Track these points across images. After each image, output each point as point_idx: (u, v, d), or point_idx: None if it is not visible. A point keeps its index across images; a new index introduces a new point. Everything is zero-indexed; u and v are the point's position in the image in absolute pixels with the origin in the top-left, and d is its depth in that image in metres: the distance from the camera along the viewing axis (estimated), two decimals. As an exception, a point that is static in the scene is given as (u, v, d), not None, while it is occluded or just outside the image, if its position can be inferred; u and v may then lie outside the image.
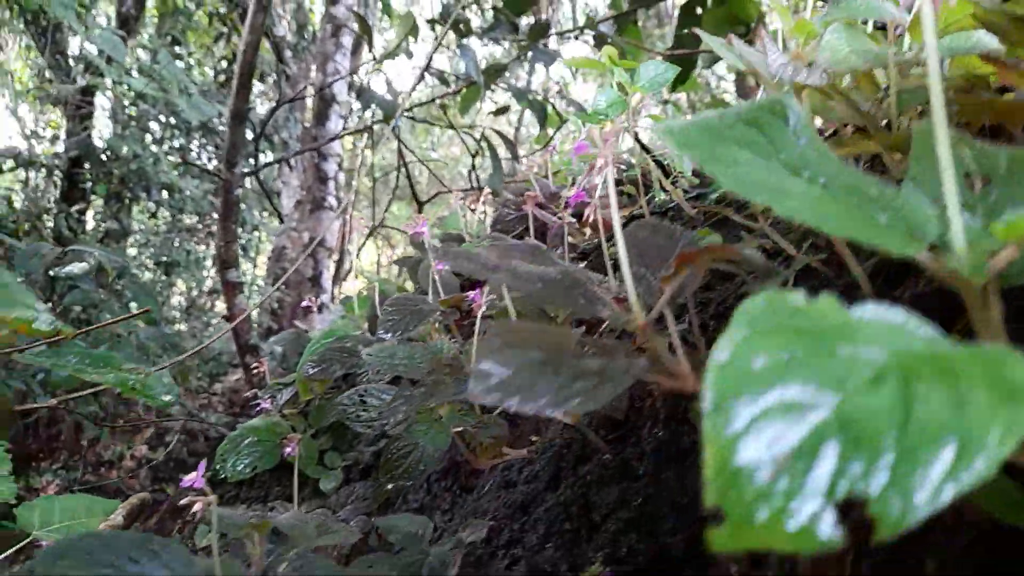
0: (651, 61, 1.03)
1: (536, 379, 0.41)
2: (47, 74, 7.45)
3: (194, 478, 0.62)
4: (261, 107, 8.60)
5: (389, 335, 1.13)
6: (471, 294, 1.05)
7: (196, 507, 0.59)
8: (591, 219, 0.91)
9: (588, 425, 0.73)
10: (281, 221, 4.57)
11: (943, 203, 0.34)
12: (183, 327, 7.93)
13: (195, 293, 9.03)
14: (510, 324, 0.45)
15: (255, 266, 9.93)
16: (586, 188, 0.76)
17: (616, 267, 0.68)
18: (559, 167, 1.90)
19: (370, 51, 2.46)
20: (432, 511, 0.98)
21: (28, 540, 1.43)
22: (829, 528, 0.22)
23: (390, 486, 0.87)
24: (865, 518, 0.24)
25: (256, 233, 8.95)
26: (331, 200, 5.84)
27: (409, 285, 1.91)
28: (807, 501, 0.22)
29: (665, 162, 1.12)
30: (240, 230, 8.27)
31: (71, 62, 7.48)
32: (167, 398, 0.73)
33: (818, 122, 0.66)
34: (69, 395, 1.39)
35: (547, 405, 0.40)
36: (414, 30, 2.46)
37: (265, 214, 8.75)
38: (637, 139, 1.05)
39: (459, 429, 0.95)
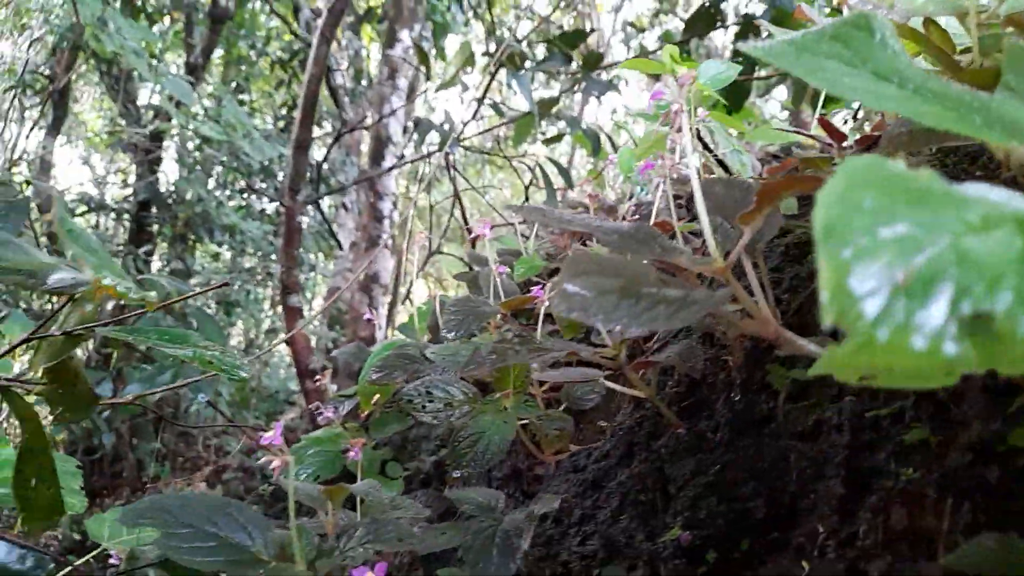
0: (712, 60, 1.04)
1: (618, 301, 0.41)
2: (118, 121, 7.84)
3: (272, 435, 0.63)
4: (318, 152, 8.88)
5: (452, 334, 1.15)
6: (535, 290, 1.06)
7: (274, 464, 0.60)
8: (656, 222, 0.91)
9: (661, 400, 0.72)
10: (341, 248, 4.65)
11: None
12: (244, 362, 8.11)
13: (252, 334, 9.24)
14: (592, 254, 0.45)
15: (311, 307, 10.14)
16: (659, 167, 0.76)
17: (686, 238, 0.68)
18: (620, 194, 1.92)
19: (427, 80, 2.53)
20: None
21: (100, 550, 1.47)
22: (954, 345, 0.22)
23: (457, 474, 0.86)
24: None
25: (312, 274, 9.15)
26: (386, 238, 5.96)
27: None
28: (931, 318, 0.22)
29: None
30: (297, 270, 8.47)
31: (141, 109, 7.87)
32: (243, 374, 0.75)
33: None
34: (157, 409, 1.44)
35: (628, 324, 0.40)
36: (470, 59, 2.53)
37: (321, 256, 8.96)
38: (699, 137, 1.05)
39: (524, 421, 0.95)
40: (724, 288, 0.44)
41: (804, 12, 0.80)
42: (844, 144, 0.90)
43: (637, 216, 1.38)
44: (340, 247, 4.53)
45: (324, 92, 6.88)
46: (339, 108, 7.42)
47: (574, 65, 3.14)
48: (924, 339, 0.22)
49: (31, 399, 0.88)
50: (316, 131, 9.02)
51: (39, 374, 0.78)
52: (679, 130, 0.51)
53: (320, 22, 2.38)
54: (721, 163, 1.11)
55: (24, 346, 0.84)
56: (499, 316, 1.22)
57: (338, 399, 1.57)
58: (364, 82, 7.97)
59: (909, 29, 0.55)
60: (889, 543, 0.48)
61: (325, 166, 7.71)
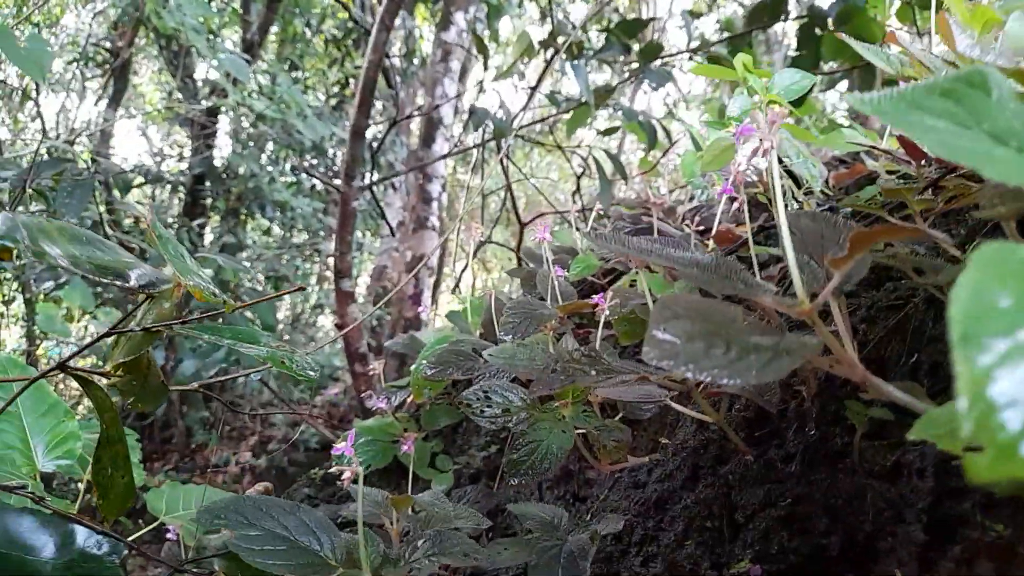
0: (786, 69, 1.01)
1: (709, 349, 0.41)
2: (176, 96, 7.99)
3: (345, 447, 0.64)
4: (368, 131, 8.95)
5: (509, 337, 1.15)
6: (596, 298, 1.06)
7: (345, 476, 0.61)
8: (718, 229, 0.89)
9: (729, 425, 0.71)
10: (393, 233, 4.70)
11: None
12: (288, 339, 8.27)
13: (299, 309, 9.41)
14: (682, 297, 0.45)
15: (356, 284, 10.27)
16: (734, 184, 0.74)
17: (763, 265, 0.67)
18: (674, 186, 1.89)
19: (484, 70, 2.52)
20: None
21: (157, 523, 1.53)
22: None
23: (514, 482, 0.87)
24: None
25: (359, 252, 9.25)
26: (434, 220, 5.99)
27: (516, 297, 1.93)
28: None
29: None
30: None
31: (198, 84, 8.01)
32: (312, 374, 0.76)
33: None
34: (204, 389, 1.47)
35: (721, 375, 0.40)
36: (529, 49, 2.51)
37: (368, 234, 9.05)
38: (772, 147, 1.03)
39: (581, 431, 0.95)
40: (812, 335, 0.43)
41: (895, 38, 0.77)
42: (923, 163, 0.87)
43: (699, 222, 1.36)
44: (392, 232, 4.57)
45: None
46: (391, 88, 7.46)
47: (632, 54, 3.10)
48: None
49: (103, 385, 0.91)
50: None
51: (116, 367, 0.81)
52: (766, 167, 0.50)
53: (381, 7, 2.39)
54: (790, 173, 1.09)
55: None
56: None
57: (390, 389, 1.59)
58: (416, 61, 7.99)
59: (1019, 72, 0.52)
60: (971, 596, 0.47)
61: (374, 142, 7.78)
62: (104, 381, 0.83)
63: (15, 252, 0.55)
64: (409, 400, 1.60)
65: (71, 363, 0.79)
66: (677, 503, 0.72)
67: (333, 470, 0.65)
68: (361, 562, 0.63)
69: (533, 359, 1.07)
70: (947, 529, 0.51)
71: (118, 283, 0.66)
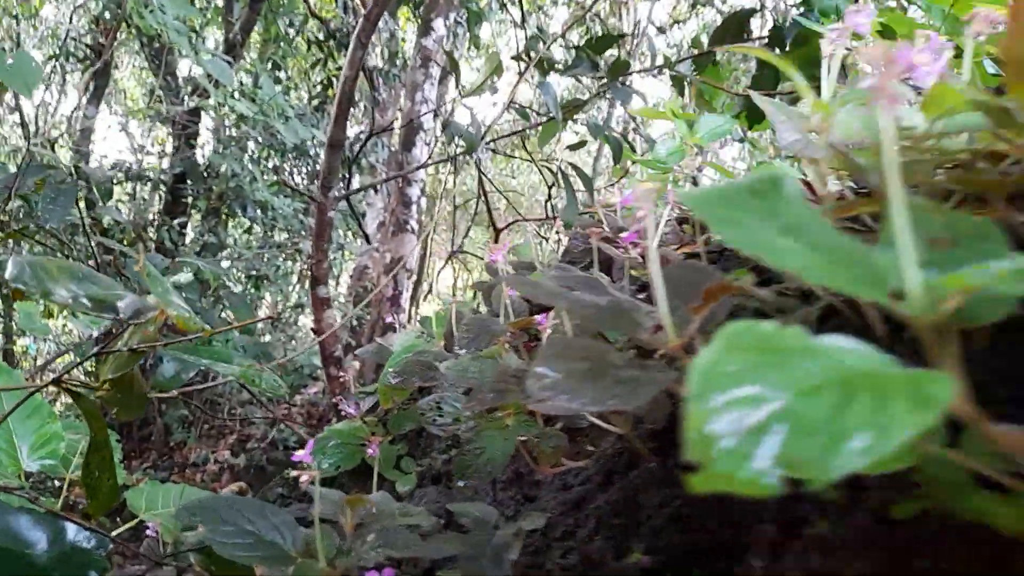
0: (711, 115, 1.13)
1: (582, 383, 0.52)
2: (158, 94, 7.99)
3: (304, 454, 0.75)
4: (350, 130, 9.03)
5: (464, 351, 1.26)
6: (539, 318, 1.17)
7: (303, 478, 0.72)
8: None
9: (637, 437, 0.83)
10: (368, 242, 4.78)
11: (908, 258, 0.43)
12: (268, 338, 8.32)
13: (281, 307, 9.43)
14: (563, 339, 0.56)
15: (337, 284, 10.33)
16: (640, 231, 0.86)
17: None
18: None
19: (457, 88, 2.62)
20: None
21: (137, 521, 1.61)
22: (773, 480, 0.32)
23: (461, 483, 0.98)
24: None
25: (340, 253, 9.30)
26: (413, 223, 6.08)
27: (483, 308, 2.04)
28: (758, 460, 0.32)
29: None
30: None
31: (180, 83, 8.01)
32: (282, 391, 0.87)
33: (836, 184, 0.75)
34: (182, 394, 1.57)
35: (589, 404, 0.51)
36: (498, 69, 2.62)
37: (349, 234, 9.09)
38: (696, 183, 1.15)
39: (523, 439, 1.06)
40: (674, 370, 0.54)
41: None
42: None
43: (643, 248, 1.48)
44: (368, 240, 4.65)
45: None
46: (373, 90, 7.53)
47: (601, 70, 3.21)
48: (752, 473, 0.32)
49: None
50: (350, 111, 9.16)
51: (104, 382, 0.91)
52: (647, 228, 0.61)
53: (358, 26, 2.48)
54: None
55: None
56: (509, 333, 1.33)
57: (359, 395, 1.70)
58: (399, 63, 8.06)
59: (842, 157, 0.64)
60: (804, 579, 0.59)
61: (356, 144, 7.84)
62: (94, 394, 0.93)
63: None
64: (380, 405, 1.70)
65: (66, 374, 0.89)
66: (592, 503, 0.83)
67: (293, 474, 0.75)
68: (318, 553, 0.74)
69: (483, 372, 1.19)
70: (792, 527, 0.63)
71: (110, 316, 0.76)
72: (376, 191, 8.07)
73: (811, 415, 0.34)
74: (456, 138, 2.73)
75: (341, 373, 1.77)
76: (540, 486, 1.19)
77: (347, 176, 4.31)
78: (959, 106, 0.59)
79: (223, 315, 4.41)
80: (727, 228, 0.46)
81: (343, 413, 1.66)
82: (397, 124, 4.87)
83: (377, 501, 0.83)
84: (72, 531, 0.88)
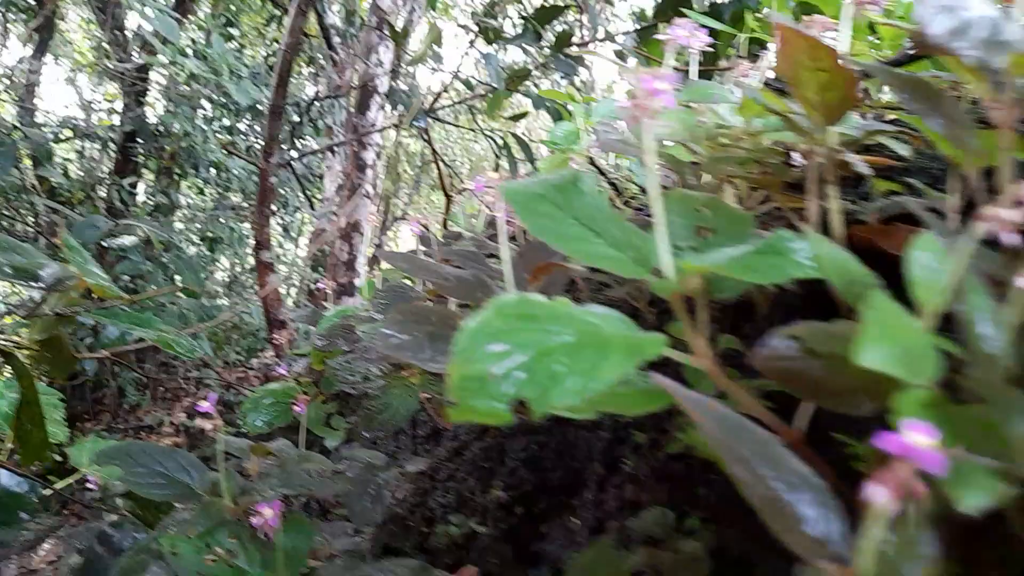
0: (607, 99, 1.23)
1: (424, 343, 0.63)
2: (105, 48, 7.77)
3: (207, 406, 0.85)
4: (309, 91, 8.93)
5: (380, 316, 1.36)
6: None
7: (207, 426, 0.82)
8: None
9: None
10: (312, 206, 4.80)
11: (663, 244, 0.54)
12: (225, 301, 8.29)
13: (238, 270, 9.36)
14: (412, 305, 0.66)
15: (297, 246, 10.29)
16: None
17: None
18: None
19: (398, 59, 2.67)
20: (400, 458, 1.21)
21: (79, 475, 1.70)
22: (506, 411, 0.43)
23: (367, 434, 1.09)
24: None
25: (299, 214, 9.24)
26: (368, 187, 6.11)
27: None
28: (497, 397, 0.43)
29: (619, 184, 1.32)
30: (283, 210, 8.61)
31: (129, 37, 7.78)
32: (199, 352, 0.96)
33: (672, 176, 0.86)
34: (116, 357, 1.65)
35: (429, 360, 0.62)
36: (438, 39, 2.68)
37: (310, 196, 9.03)
38: (592, 163, 1.25)
39: (427, 396, 1.17)
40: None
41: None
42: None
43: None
44: (311, 205, 4.67)
45: (316, 31, 6.91)
46: (331, 48, 7.44)
47: (547, 41, 3.29)
48: (492, 407, 0.43)
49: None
50: (307, 70, 9.03)
51: (34, 343, 0.99)
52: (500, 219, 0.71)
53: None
54: (613, 185, 1.32)
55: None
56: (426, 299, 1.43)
57: (292, 356, 1.79)
58: (356, 24, 7.96)
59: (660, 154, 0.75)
60: (621, 510, 0.71)
61: (316, 105, 7.77)
62: (24, 353, 1.02)
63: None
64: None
65: (-6, 338, 0.97)
66: (471, 450, 0.94)
67: (198, 422, 0.85)
68: (223, 492, 0.84)
69: (397, 335, 1.29)
70: (613, 466, 0.75)
71: (33, 283, 0.84)
72: (333, 153, 8.02)
73: (543, 366, 0.45)
74: (398, 106, 2.79)
75: (274, 336, 1.86)
76: (441, 435, 1.31)
77: (295, 137, 4.33)
78: (760, 112, 0.70)
79: (174, 278, 4.42)
80: (532, 219, 0.56)
81: (274, 374, 1.75)
82: (356, 76, 4.86)
83: (279, 448, 0.93)
84: (5, 477, 0.97)
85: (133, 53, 7.55)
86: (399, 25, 5.69)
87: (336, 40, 7.53)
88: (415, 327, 0.63)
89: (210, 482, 0.86)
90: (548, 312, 0.48)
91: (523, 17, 3.37)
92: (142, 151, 7.63)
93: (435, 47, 2.70)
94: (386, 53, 6.06)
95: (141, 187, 8.13)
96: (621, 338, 0.47)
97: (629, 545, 0.62)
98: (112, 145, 7.84)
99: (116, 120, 7.91)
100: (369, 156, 6.05)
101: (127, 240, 2.93)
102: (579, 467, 0.79)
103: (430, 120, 3.34)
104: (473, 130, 3.45)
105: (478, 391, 0.44)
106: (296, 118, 7.35)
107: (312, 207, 5.03)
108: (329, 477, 0.92)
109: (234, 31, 8.77)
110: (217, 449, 0.85)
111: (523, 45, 3.29)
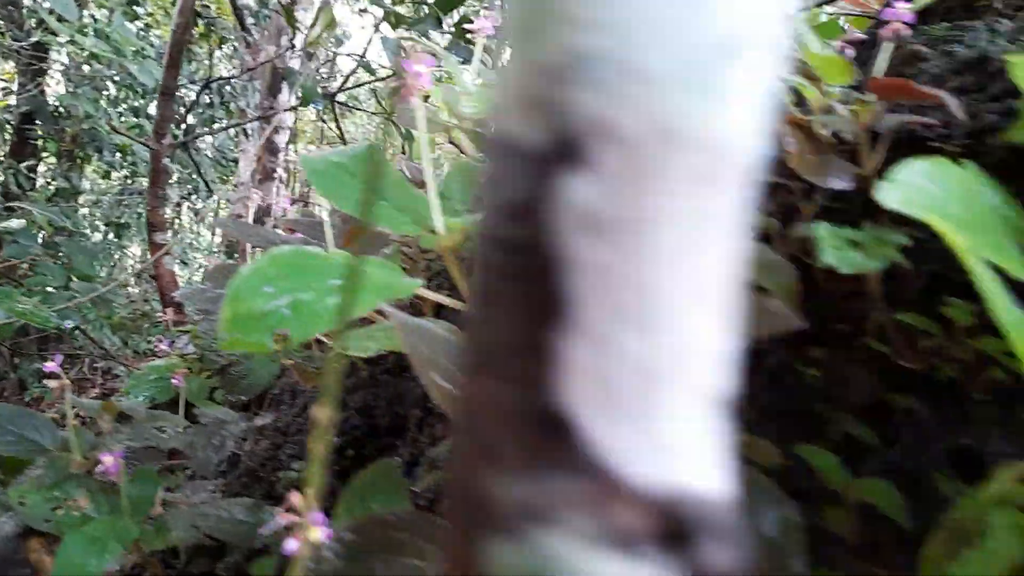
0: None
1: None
2: (-1, 24, 7.39)
3: (53, 365, 0.89)
4: (224, 71, 8.68)
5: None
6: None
7: (53, 385, 0.87)
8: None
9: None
10: (209, 190, 4.74)
11: (435, 205, 0.63)
12: (136, 290, 8.03)
13: (149, 256, 9.03)
14: (225, 264, 0.74)
15: (213, 234, 10.03)
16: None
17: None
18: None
19: (291, 43, 2.69)
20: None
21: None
22: (271, 342, 0.51)
23: (232, 398, 1.15)
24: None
25: (214, 200, 9.01)
26: (280, 171, 6.04)
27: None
28: (262, 331, 0.51)
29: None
30: (194, 196, 8.40)
31: (24, 14, 7.42)
32: (58, 323, 1.00)
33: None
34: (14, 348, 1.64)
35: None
36: (332, 24, 2.71)
37: (224, 180, 8.82)
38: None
39: (290, 362, 1.24)
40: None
41: None
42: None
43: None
44: (209, 189, 4.62)
45: (229, 12, 6.75)
46: (244, 30, 7.27)
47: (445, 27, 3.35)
48: (260, 340, 0.51)
49: None
50: (219, 52, 8.80)
51: None
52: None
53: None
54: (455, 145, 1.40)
55: None
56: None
57: (174, 333, 1.82)
58: (270, 5, 7.79)
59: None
60: (433, 444, 0.80)
61: (228, 88, 7.58)
62: None
63: None
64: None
65: None
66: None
67: (45, 381, 0.90)
68: (73, 448, 0.89)
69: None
70: (430, 410, 0.84)
71: None
72: (247, 137, 7.86)
73: (306, 305, 0.54)
74: (294, 88, 2.81)
75: (159, 314, 1.88)
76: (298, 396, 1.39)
77: (214, 121, 4.26)
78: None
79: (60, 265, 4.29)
80: (325, 187, 0.64)
81: (157, 351, 1.77)
82: (253, 67, 4.81)
83: (131, 408, 0.99)
84: None
85: (30, 31, 7.20)
86: (314, 8, 5.63)
87: (250, 21, 7.37)
88: (225, 281, 0.71)
89: (61, 439, 0.90)
90: (320, 262, 0.57)
91: (425, 4, 3.42)
92: (41, 133, 7.30)
93: (340, 30, 2.72)
94: (298, 36, 5.99)
95: (41, 170, 7.78)
96: (380, 282, 0.56)
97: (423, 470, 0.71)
98: (8, 127, 7.46)
99: (12, 100, 7.54)
100: (281, 140, 5.99)
101: (15, 223, 2.86)
102: (404, 412, 0.88)
103: (347, 105, 3.36)
104: (383, 113, 3.49)
105: (246, 326, 0.51)
106: (207, 100, 7.17)
107: (208, 189, 4.95)
108: (180, 432, 0.98)
109: (139, 10, 8.45)
110: (66, 408, 0.90)
111: (423, 32, 3.35)
